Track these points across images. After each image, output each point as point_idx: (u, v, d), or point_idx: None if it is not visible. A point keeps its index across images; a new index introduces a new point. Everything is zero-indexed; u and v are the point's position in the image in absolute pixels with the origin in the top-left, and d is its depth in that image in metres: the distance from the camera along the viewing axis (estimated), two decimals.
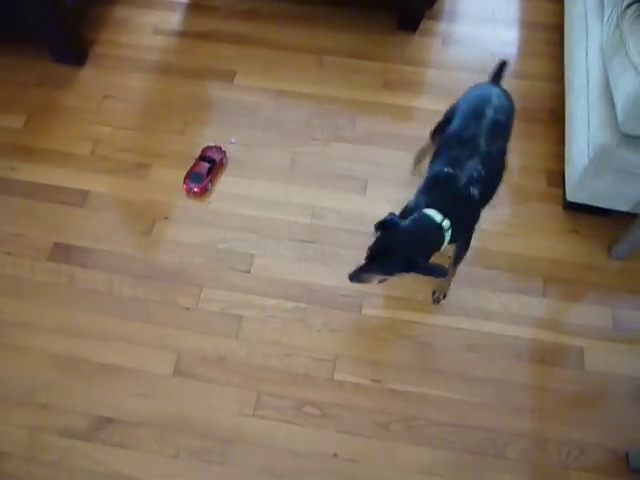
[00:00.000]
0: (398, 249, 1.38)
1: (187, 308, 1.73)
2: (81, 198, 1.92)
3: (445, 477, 1.51)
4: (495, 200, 1.91)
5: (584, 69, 1.81)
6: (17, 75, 2.20)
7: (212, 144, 1.99)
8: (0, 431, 1.54)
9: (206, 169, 1.92)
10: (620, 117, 1.54)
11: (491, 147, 1.48)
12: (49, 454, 1.52)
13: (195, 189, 1.90)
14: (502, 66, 1.71)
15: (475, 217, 1.54)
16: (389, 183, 1.97)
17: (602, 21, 1.73)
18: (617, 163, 1.63)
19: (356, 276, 1.45)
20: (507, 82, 2.21)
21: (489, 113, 1.52)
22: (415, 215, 1.43)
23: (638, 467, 1.51)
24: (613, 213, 1.84)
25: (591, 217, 1.89)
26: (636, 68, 1.46)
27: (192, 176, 1.92)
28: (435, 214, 1.41)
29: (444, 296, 1.76)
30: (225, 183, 1.96)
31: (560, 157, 1.95)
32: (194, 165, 1.94)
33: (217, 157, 1.95)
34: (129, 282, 1.77)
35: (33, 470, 1.49)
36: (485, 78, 2.21)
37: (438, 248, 1.43)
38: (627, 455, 1.53)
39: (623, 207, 1.77)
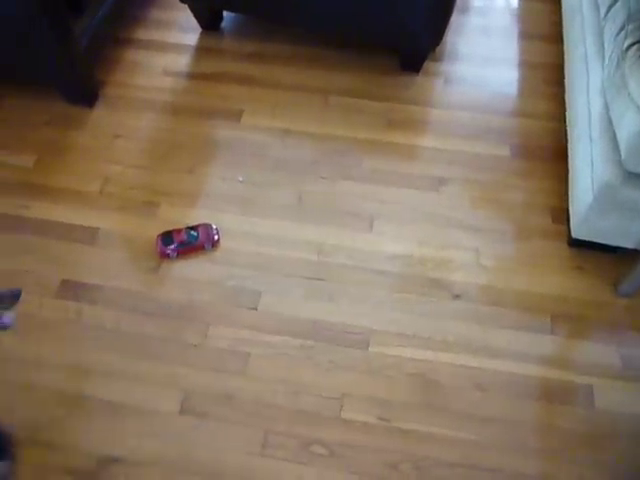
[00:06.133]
0: None
1: (194, 345, 1.72)
2: (90, 235, 1.94)
3: None
4: (499, 236, 1.96)
5: (586, 108, 1.84)
6: (29, 115, 2.25)
7: (214, 227, 1.92)
8: None
9: (181, 240, 1.88)
10: (623, 155, 1.56)
11: None
12: None
13: (158, 249, 1.88)
14: None
15: None
16: (395, 220, 1.99)
17: (603, 61, 1.77)
18: (622, 200, 1.65)
19: None
20: (509, 120, 2.27)
21: None
22: None
23: None
24: (619, 250, 1.85)
25: (597, 254, 1.89)
26: (638, 108, 1.49)
27: (166, 237, 1.89)
28: None
29: None
30: (233, 222, 1.98)
31: (564, 194, 1.98)
32: (178, 229, 1.91)
33: (202, 238, 1.89)
34: (136, 319, 1.77)
35: None
36: (487, 117, 2.27)
37: None
38: None
39: (629, 244, 1.78)
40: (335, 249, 1.92)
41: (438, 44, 2.36)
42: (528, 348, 1.74)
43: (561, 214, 1.98)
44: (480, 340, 1.75)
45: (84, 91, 2.27)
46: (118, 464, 1.54)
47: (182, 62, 2.46)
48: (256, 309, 1.79)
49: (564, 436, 1.61)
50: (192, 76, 2.42)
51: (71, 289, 1.83)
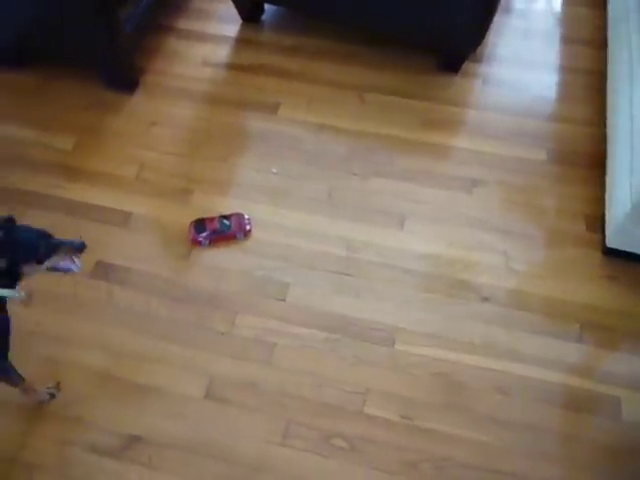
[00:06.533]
0: None
1: (221, 333, 1.75)
2: (124, 219, 1.98)
3: None
4: (530, 241, 1.94)
5: (628, 115, 1.82)
6: (70, 98, 2.29)
7: (246, 217, 1.94)
8: (32, 443, 1.57)
9: (214, 228, 1.90)
10: None
11: None
12: (78, 469, 1.53)
13: (191, 236, 1.90)
14: None
15: None
16: (426, 220, 1.99)
17: None
18: None
19: None
20: (546, 125, 2.25)
21: None
22: None
23: None
24: None
25: (631, 264, 1.86)
26: None
27: (199, 224, 1.92)
28: None
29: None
30: (265, 213, 1.99)
31: (599, 202, 1.95)
32: (211, 217, 1.93)
33: (235, 228, 1.90)
34: (166, 303, 1.80)
35: None
36: (524, 120, 2.25)
37: None
38: None
39: None
40: (364, 245, 1.92)
41: (479, 45, 2.34)
42: (554, 355, 1.72)
43: (595, 222, 1.96)
44: (506, 344, 1.74)
45: (125, 77, 2.31)
46: (141, 443, 1.57)
47: (221, 53, 2.48)
48: (284, 300, 1.81)
49: (587, 446, 1.59)
50: (230, 67, 2.44)
51: (104, 270, 1.86)
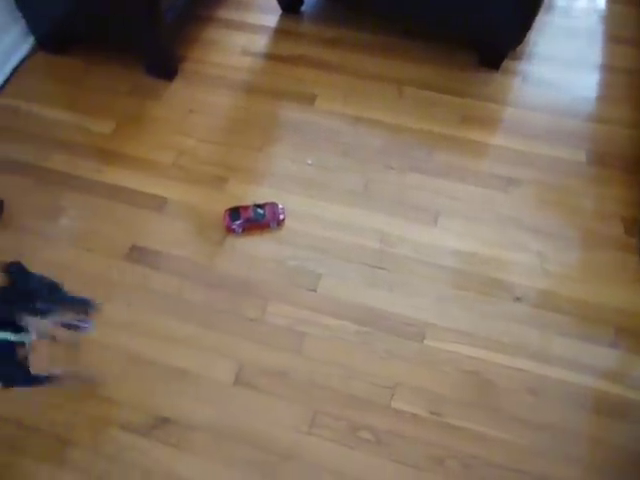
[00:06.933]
0: None
1: (252, 320, 1.76)
2: (160, 204, 2.00)
3: None
4: (566, 242, 1.92)
5: None
6: (111, 83, 2.33)
7: (280, 206, 1.95)
8: (66, 420, 1.60)
9: (248, 216, 1.92)
10: None
11: None
12: (109, 446, 1.56)
13: (225, 223, 1.92)
14: None
15: None
16: (460, 217, 1.97)
17: None
18: None
19: None
20: (587, 125, 2.21)
21: None
22: None
23: None
24: None
25: None
26: None
27: (234, 212, 1.93)
28: None
29: None
30: (299, 204, 2.00)
31: (639, 205, 1.91)
32: (246, 206, 1.95)
33: (268, 217, 1.92)
34: (198, 288, 1.82)
35: (95, 460, 1.55)
36: (564, 120, 2.22)
37: None
38: None
39: None
40: (399, 240, 1.91)
41: (521, 42, 2.31)
42: (587, 359, 1.70)
43: (634, 225, 1.92)
44: (538, 345, 1.72)
45: (165, 65, 2.33)
46: (170, 425, 1.59)
47: (260, 43, 2.49)
48: (315, 291, 1.81)
49: (615, 452, 1.57)
50: (269, 57, 2.44)
51: (138, 254, 1.89)
